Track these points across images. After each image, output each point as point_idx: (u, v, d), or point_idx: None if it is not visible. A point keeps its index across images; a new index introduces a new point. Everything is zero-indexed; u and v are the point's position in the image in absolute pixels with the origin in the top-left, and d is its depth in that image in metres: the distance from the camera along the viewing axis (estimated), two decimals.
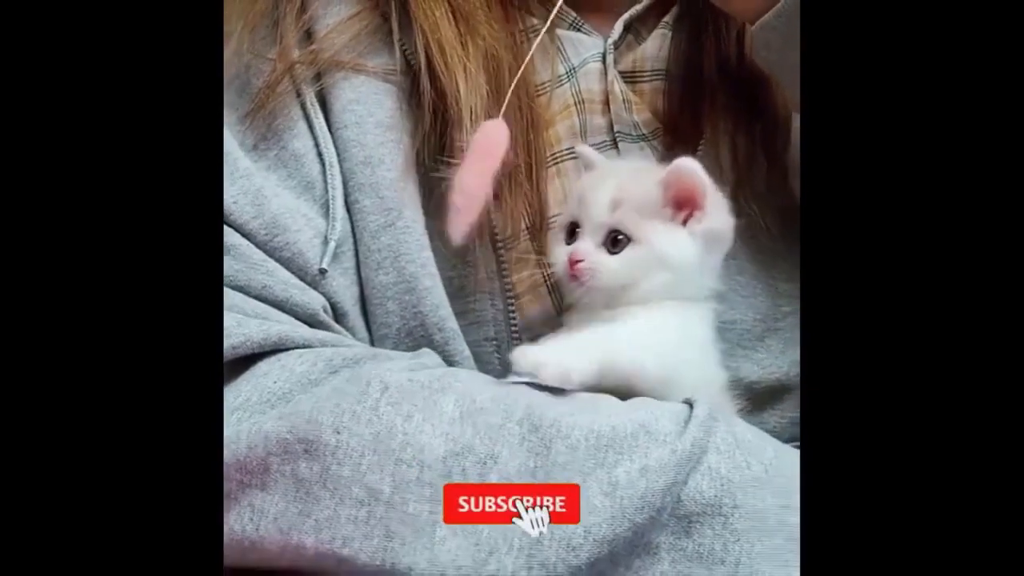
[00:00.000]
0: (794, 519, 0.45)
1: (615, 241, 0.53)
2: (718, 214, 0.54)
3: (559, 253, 0.55)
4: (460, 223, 0.51)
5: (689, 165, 0.52)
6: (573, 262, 0.52)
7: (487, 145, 0.51)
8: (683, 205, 0.53)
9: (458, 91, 0.55)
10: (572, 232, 0.55)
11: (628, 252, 0.53)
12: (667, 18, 0.63)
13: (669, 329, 0.53)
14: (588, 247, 0.53)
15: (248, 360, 0.49)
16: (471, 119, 0.55)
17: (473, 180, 0.51)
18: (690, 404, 0.47)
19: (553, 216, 0.59)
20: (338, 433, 0.44)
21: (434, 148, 0.56)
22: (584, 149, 0.58)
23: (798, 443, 0.57)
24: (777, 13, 0.53)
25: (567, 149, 0.61)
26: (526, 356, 0.48)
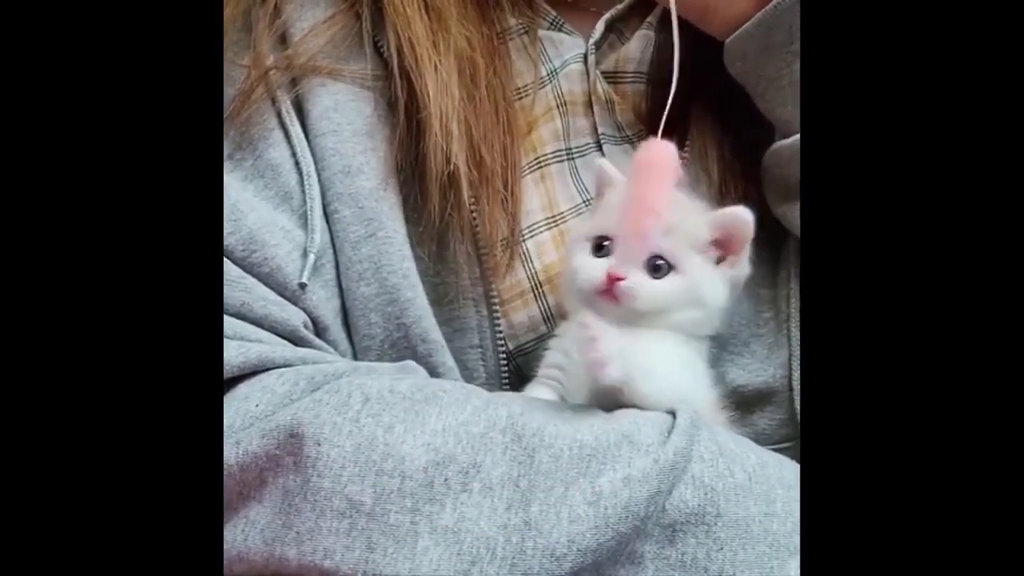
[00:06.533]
0: (778, 526, 0.47)
1: (656, 267, 0.54)
2: (745, 262, 0.56)
3: (588, 265, 0.55)
4: (632, 251, 0.52)
5: (747, 216, 0.54)
6: (614, 279, 0.53)
7: (657, 163, 0.52)
8: (723, 248, 0.55)
9: (427, 91, 0.57)
10: (600, 246, 0.55)
11: (672, 280, 0.54)
12: (650, 18, 0.65)
13: (676, 364, 0.54)
14: (628, 266, 0.54)
15: (228, 383, 0.51)
16: (441, 122, 0.56)
17: (655, 198, 0.52)
18: (673, 414, 0.49)
19: (539, 222, 0.61)
20: (319, 445, 0.46)
21: (411, 155, 0.58)
22: (604, 164, 0.59)
23: (787, 444, 0.60)
24: (756, 23, 0.56)
25: (552, 152, 0.63)
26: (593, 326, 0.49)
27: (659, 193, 0.52)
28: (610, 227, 0.55)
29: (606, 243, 0.55)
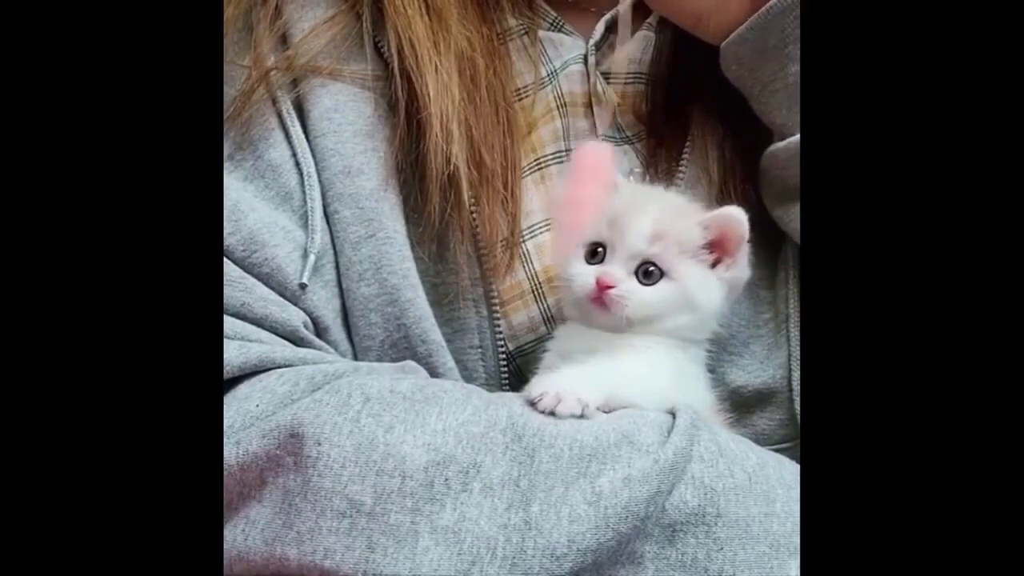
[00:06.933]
0: (777, 526, 0.47)
1: (647, 273, 0.54)
2: (744, 264, 0.56)
3: (580, 272, 0.55)
4: (566, 243, 0.52)
5: (740, 216, 0.54)
6: (604, 287, 0.53)
7: (591, 164, 0.52)
8: (717, 250, 0.55)
9: (428, 91, 0.57)
10: (594, 252, 0.56)
11: (662, 287, 0.54)
12: (650, 19, 0.65)
13: (664, 371, 0.55)
14: (619, 273, 0.54)
15: (229, 383, 0.51)
16: (441, 123, 0.57)
17: (582, 198, 0.52)
18: (673, 414, 0.50)
19: (539, 222, 0.62)
20: (319, 445, 0.46)
21: (411, 155, 0.58)
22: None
23: (786, 445, 0.60)
24: (750, 26, 0.56)
25: (552, 153, 0.63)
26: (545, 386, 0.50)
27: (593, 192, 0.52)
28: (603, 234, 0.55)
29: (599, 250, 0.55)
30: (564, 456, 0.46)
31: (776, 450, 0.54)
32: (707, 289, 0.55)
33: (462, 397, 0.49)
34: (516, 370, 0.61)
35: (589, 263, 0.55)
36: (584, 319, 0.56)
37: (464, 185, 0.57)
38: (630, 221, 0.54)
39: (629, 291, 0.53)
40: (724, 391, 0.60)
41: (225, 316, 0.53)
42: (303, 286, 0.55)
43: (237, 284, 0.54)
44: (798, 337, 0.61)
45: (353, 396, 0.48)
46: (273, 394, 0.50)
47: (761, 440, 0.57)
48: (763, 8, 0.55)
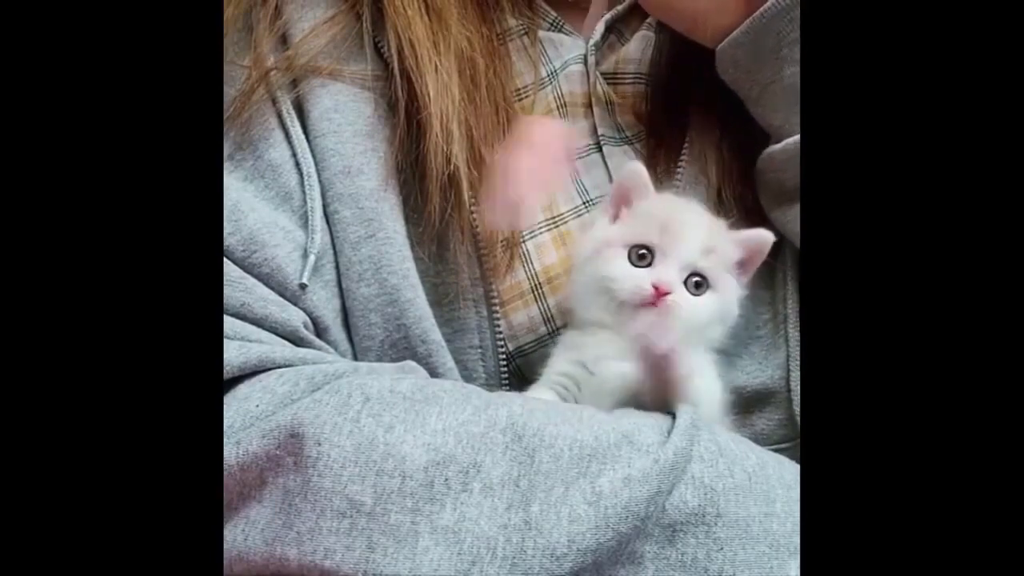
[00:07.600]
0: (777, 526, 0.47)
1: (697, 284, 0.55)
2: (745, 281, 0.58)
3: (630, 275, 0.55)
4: (504, 211, 0.52)
5: (772, 239, 0.57)
6: (662, 293, 0.54)
7: (541, 139, 0.53)
8: (742, 267, 0.57)
9: (428, 92, 0.57)
10: (640, 256, 0.56)
11: (709, 298, 0.55)
12: (650, 19, 0.66)
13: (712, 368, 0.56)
14: (674, 279, 0.55)
15: (228, 384, 0.51)
16: (441, 123, 0.57)
17: (526, 170, 0.52)
18: (673, 414, 0.50)
19: (539, 222, 0.61)
20: (319, 445, 0.46)
21: (411, 155, 0.58)
22: (639, 171, 0.58)
23: (785, 445, 0.60)
24: (745, 30, 0.56)
25: None
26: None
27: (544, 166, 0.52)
28: (651, 238, 0.56)
29: (643, 251, 0.56)
30: (564, 456, 0.46)
31: (776, 450, 0.54)
32: (737, 302, 0.57)
33: (462, 397, 0.49)
34: (516, 370, 0.61)
35: (637, 267, 0.56)
36: (620, 323, 0.55)
37: (464, 185, 0.57)
38: (685, 231, 0.55)
39: (684, 299, 0.55)
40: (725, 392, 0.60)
41: (225, 316, 0.53)
42: (303, 286, 0.55)
43: (237, 284, 0.54)
44: (796, 338, 0.61)
45: (353, 396, 0.48)
46: (273, 394, 0.50)
47: (760, 440, 0.57)
48: (758, 12, 0.56)
